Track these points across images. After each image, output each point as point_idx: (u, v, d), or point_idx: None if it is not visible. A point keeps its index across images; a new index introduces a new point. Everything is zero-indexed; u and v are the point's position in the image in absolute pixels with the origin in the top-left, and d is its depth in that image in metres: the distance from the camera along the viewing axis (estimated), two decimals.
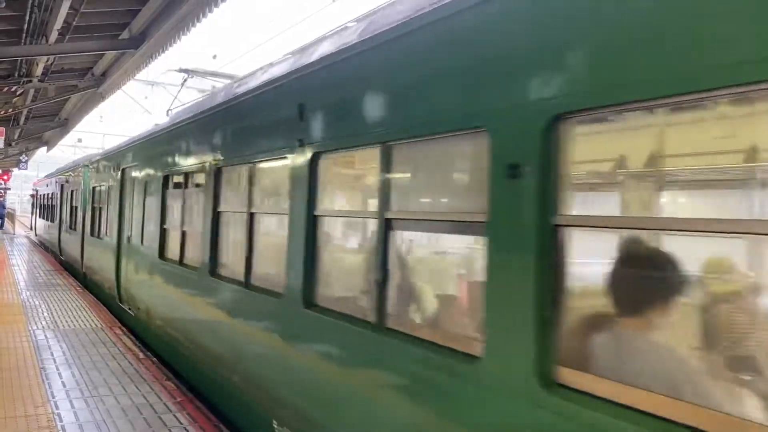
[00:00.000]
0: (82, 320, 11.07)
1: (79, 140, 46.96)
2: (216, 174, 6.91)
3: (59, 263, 21.19)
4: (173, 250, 8.63)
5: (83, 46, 11.66)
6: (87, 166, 17.08)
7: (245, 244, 6.08)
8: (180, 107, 10.75)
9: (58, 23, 9.52)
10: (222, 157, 6.80)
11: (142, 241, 10.13)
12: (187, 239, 8.13)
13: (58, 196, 23.07)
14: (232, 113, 6.69)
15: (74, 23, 9.99)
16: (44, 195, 29.87)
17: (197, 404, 6.63)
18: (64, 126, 23.66)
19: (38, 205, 33.72)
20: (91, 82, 15.33)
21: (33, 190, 38.63)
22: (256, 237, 6.05)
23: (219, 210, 6.92)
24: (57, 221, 22.98)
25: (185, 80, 12.69)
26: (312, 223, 4.88)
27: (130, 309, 10.84)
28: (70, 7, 8.92)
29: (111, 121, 41.92)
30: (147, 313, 9.68)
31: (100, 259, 14.06)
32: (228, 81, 10.68)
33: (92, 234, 15.26)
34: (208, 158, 7.20)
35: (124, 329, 10.44)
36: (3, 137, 17.84)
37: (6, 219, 43.68)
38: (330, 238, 5.00)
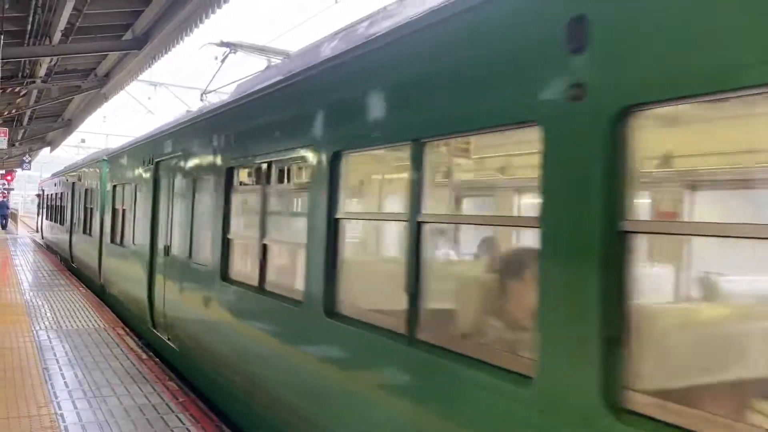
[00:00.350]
0: (84, 320, 11.09)
1: (83, 140, 47.08)
2: (333, 162, 4.57)
3: (70, 270, 18.93)
4: (246, 270, 6.44)
5: (86, 47, 11.72)
6: (105, 160, 14.53)
7: (407, 269, 3.72)
8: (236, 82, 8.35)
9: (62, 24, 9.56)
10: (348, 139, 4.51)
11: (190, 254, 7.86)
12: (272, 256, 5.90)
13: (69, 195, 20.26)
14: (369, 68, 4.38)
15: (78, 24, 10.03)
16: (52, 195, 26.73)
17: (199, 405, 6.64)
18: (68, 126, 23.75)
19: (45, 206, 30.87)
20: (94, 83, 15.39)
21: (39, 189, 35.48)
22: (422, 259, 3.71)
23: (337, 216, 4.59)
24: (67, 224, 20.33)
25: (226, 56, 10.38)
26: None
27: (169, 340, 8.61)
28: (74, 8, 8.96)
29: (114, 122, 41.97)
30: (197, 349, 7.49)
31: (123, 272, 11.80)
32: (280, 58, 8.93)
33: (113, 241, 12.94)
34: (322, 141, 4.80)
35: (127, 329, 10.45)
36: (6, 138, 17.91)
37: (9, 219, 43.81)
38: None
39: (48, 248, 27.33)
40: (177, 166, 8.59)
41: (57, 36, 10.25)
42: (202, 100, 10.40)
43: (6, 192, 49.20)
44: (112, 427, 5.81)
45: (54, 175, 27.13)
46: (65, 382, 7.16)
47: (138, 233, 10.58)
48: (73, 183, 19.15)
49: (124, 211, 12.03)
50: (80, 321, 11.01)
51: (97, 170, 15.13)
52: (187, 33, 9.81)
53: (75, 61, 13.58)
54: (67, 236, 20.24)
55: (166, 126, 9.74)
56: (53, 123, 23.76)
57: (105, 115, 40.65)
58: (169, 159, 9.01)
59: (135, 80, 15.50)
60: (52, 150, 34.19)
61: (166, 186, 9.14)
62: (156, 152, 9.65)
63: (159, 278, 9.12)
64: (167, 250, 8.75)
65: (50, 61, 12.44)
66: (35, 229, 38.65)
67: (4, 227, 41.44)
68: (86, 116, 20.76)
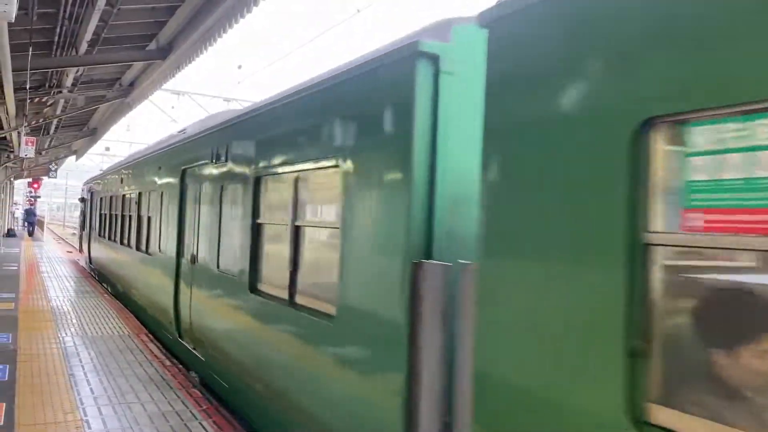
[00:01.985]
0: (109, 327, 11.21)
1: (107, 149, 47.76)
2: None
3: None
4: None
5: (112, 57, 11.88)
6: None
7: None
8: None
9: (88, 35, 9.71)
10: None
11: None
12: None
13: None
14: None
15: (103, 35, 10.18)
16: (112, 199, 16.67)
17: (223, 412, 6.66)
18: (93, 135, 24.09)
19: (94, 215, 20.20)
20: (119, 92, 15.60)
21: (84, 191, 24.01)
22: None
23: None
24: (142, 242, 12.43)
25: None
26: None
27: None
28: (100, 19, 9.09)
29: (138, 131, 42.55)
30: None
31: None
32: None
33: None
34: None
35: (151, 337, 10.54)
36: (34, 147, 18.21)
37: (36, 226, 44.55)
38: None
39: (102, 281, 18.12)
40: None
41: (83, 47, 10.41)
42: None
43: (33, 199, 50.09)
44: None
45: (116, 168, 17.22)
46: (91, 389, 7.24)
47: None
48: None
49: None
50: (105, 327, 11.13)
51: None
52: (210, 43, 9.91)
53: (100, 71, 13.77)
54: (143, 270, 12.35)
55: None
56: (78, 132, 24.12)
57: (129, 123, 41.21)
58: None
59: (159, 89, 15.68)
60: (77, 158, 34.69)
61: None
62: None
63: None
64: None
65: (76, 71, 12.64)
66: (78, 248, 27.01)
67: (31, 234, 42.14)
68: (111, 125, 21.04)
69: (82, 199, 23.80)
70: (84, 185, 24.07)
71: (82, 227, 24.09)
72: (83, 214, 23.70)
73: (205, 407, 6.73)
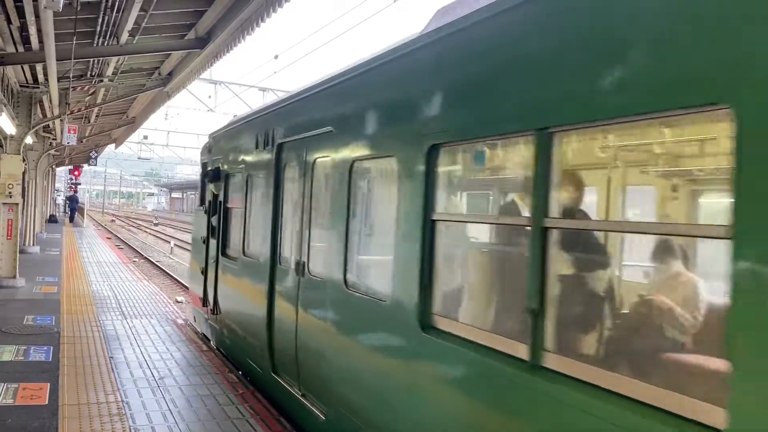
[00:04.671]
0: (147, 311, 11.45)
1: (145, 137, 48.58)
2: None
3: None
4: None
5: (151, 46, 12.05)
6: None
7: None
8: None
9: (129, 24, 9.86)
10: None
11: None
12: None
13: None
14: None
15: (143, 24, 10.32)
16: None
17: (258, 397, 6.76)
18: (132, 124, 24.52)
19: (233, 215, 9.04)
20: (158, 82, 15.83)
21: (206, 158, 10.47)
22: None
23: None
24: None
25: None
26: None
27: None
28: (140, 9, 9.22)
29: (176, 120, 43.13)
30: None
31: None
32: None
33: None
34: None
35: (192, 326, 10.73)
36: (76, 134, 18.61)
37: (77, 213, 45.64)
38: None
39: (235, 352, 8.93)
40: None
41: (124, 36, 10.58)
42: None
43: (74, 186, 51.28)
44: (175, 416, 5.97)
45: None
46: (130, 372, 7.41)
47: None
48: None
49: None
50: (143, 311, 11.37)
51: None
52: (249, 32, 9.96)
53: (140, 60, 13.99)
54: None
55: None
56: (118, 120, 24.57)
57: (167, 112, 41.81)
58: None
59: (196, 79, 15.87)
60: (117, 147, 35.38)
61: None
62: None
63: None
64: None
65: (117, 60, 12.85)
66: (202, 299, 9.80)
67: (72, 220, 43.20)
68: (150, 114, 21.37)
69: (206, 176, 9.93)
70: (207, 154, 10.39)
71: (217, 237, 9.35)
72: (216, 211, 9.49)
73: (241, 392, 6.84)
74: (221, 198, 9.11)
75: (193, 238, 11.55)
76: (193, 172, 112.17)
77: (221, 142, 9.54)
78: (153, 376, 7.25)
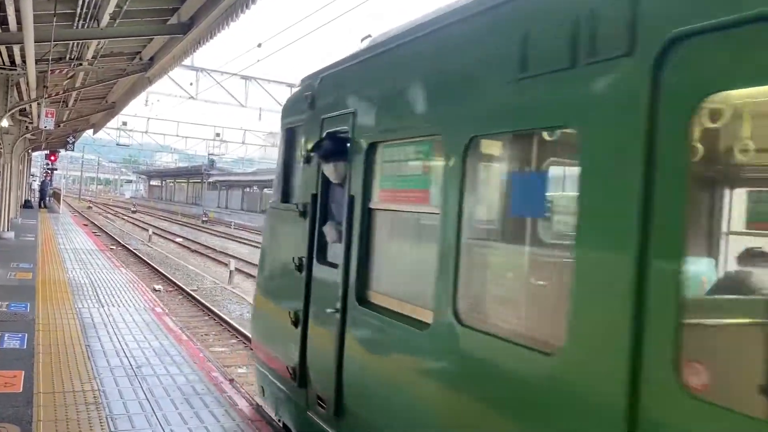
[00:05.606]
0: (124, 299, 11.32)
1: (124, 123, 48.03)
2: None
3: None
4: None
5: (132, 30, 11.88)
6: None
7: None
8: None
9: (110, 7, 9.70)
10: None
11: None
12: None
13: None
14: None
15: (125, 8, 10.16)
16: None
17: (236, 385, 6.72)
18: (111, 109, 24.18)
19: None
20: (138, 67, 15.61)
21: (297, 118, 5.53)
22: None
23: None
24: None
25: None
26: None
27: None
28: None
29: (156, 106, 42.55)
30: None
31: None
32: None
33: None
34: None
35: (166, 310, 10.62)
36: (53, 118, 18.29)
37: (52, 198, 44.99)
38: None
39: None
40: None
41: (105, 19, 10.40)
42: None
43: (49, 172, 50.52)
44: (153, 405, 5.91)
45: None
46: (107, 360, 7.32)
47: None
48: None
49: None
50: (120, 299, 11.24)
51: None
52: (233, 19, 9.86)
53: (121, 44, 13.78)
54: None
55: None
56: (97, 105, 24.21)
57: (147, 98, 41.27)
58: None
59: (178, 65, 15.69)
60: (95, 132, 34.90)
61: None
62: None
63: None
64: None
65: (98, 44, 12.64)
66: (294, 371, 5.16)
67: (44, 206, 42.58)
68: (130, 99, 21.10)
69: (325, 149, 4.65)
70: (300, 112, 5.47)
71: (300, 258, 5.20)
72: (327, 215, 4.87)
73: (219, 381, 6.79)
74: (353, 190, 4.32)
75: (265, 258, 6.28)
76: (173, 160, 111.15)
77: (351, 85, 4.74)
78: (130, 365, 7.16)
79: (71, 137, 33.62)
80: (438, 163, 3.53)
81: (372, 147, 4.14)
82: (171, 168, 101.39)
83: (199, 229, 41.26)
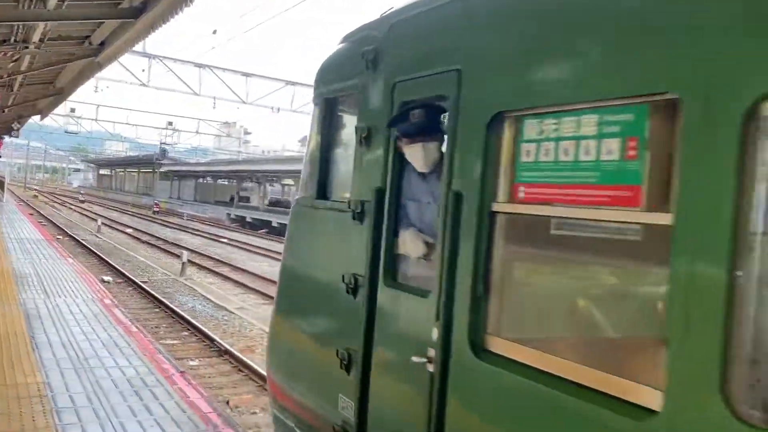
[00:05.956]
0: (71, 290, 11.01)
1: (72, 110, 46.61)
2: None
3: None
4: None
5: (81, 13, 11.49)
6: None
7: None
8: None
9: None
10: None
11: None
12: None
13: None
14: None
15: None
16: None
17: (187, 377, 6.61)
18: (59, 95, 23.41)
19: None
20: (88, 51, 15.13)
21: (345, 84, 4.02)
22: None
23: None
24: None
25: None
26: None
27: None
28: None
29: (106, 93, 41.33)
30: None
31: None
32: None
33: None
34: None
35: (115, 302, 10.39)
36: None
37: None
38: None
39: None
40: None
41: (52, 1, 10.05)
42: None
43: None
44: (101, 398, 5.77)
45: None
46: (53, 352, 7.11)
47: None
48: None
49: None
50: (67, 290, 10.92)
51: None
52: (187, 4, 9.63)
53: (69, 27, 13.32)
54: None
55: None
56: (44, 90, 23.41)
57: (97, 85, 40.12)
58: None
59: (130, 51, 15.29)
60: (42, 118, 33.76)
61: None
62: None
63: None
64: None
65: (44, 26, 12.20)
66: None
67: None
68: (79, 85, 20.42)
69: (418, 124, 3.25)
70: (351, 77, 3.83)
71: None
72: (394, 217, 3.39)
73: (170, 373, 6.67)
74: (458, 184, 2.89)
75: (292, 273, 4.50)
76: (123, 149, 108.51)
77: (454, 31, 3.13)
78: (77, 357, 6.98)
79: (16, 123, 32.42)
80: (661, 140, 2.09)
81: (499, 119, 2.71)
82: (121, 157, 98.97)
83: (150, 220, 40.42)
